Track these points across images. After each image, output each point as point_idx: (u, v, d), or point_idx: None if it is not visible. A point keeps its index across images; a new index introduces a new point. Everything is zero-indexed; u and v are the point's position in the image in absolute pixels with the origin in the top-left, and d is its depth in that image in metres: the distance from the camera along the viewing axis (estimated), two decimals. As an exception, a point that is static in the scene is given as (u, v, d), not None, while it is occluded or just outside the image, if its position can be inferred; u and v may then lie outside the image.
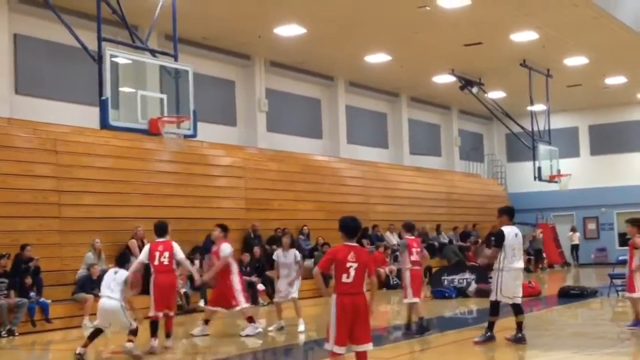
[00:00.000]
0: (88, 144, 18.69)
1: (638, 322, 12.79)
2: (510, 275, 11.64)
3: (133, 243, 17.80)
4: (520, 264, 11.84)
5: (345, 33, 22.44)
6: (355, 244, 8.03)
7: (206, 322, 13.90)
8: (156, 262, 12.10)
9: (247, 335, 13.56)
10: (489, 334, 11.80)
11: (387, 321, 15.82)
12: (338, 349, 7.81)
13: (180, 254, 12.36)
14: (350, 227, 8.10)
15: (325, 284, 8.45)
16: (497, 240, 11.87)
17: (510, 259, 11.64)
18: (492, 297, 11.82)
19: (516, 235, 11.82)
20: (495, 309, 11.82)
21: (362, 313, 7.88)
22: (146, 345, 11.84)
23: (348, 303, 7.80)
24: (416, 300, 13.43)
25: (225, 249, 13.69)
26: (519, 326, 11.71)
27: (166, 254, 12.13)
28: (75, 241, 17.40)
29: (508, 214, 12.08)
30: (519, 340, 11.63)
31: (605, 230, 35.91)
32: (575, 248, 34.74)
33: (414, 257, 13.37)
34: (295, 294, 14.13)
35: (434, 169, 33.67)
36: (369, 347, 7.96)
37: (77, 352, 11.27)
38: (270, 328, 14.30)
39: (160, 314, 12.17)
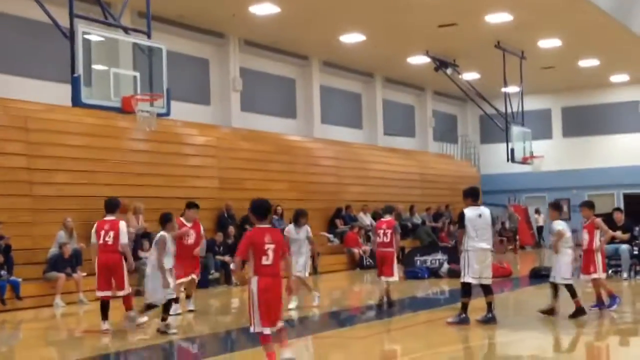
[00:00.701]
0: (60, 121, 18.49)
1: (601, 303, 12.94)
2: (474, 256, 11.72)
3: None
4: (484, 244, 11.82)
5: (320, 12, 22.35)
6: (268, 226, 8.10)
7: (176, 300, 13.72)
8: (100, 241, 11.86)
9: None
10: (463, 315, 11.86)
11: (360, 301, 15.89)
12: (268, 330, 7.96)
13: (124, 238, 11.94)
14: (263, 208, 8.23)
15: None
16: (459, 221, 12.10)
17: (474, 240, 11.72)
18: (462, 279, 11.95)
19: (480, 215, 11.86)
20: (466, 290, 11.91)
21: (278, 294, 8.08)
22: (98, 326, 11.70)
23: (270, 284, 7.96)
24: (379, 279, 14.17)
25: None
26: (489, 306, 11.82)
27: (111, 233, 11.85)
28: (47, 219, 17.28)
29: (471, 195, 12.17)
30: (489, 320, 11.73)
31: (577, 212, 35.95)
32: (539, 230, 35.05)
33: (380, 239, 14.01)
34: (300, 273, 13.73)
35: (407, 149, 33.75)
36: (281, 324, 8.16)
37: (160, 329, 11.63)
38: None
39: (109, 293, 11.89)
